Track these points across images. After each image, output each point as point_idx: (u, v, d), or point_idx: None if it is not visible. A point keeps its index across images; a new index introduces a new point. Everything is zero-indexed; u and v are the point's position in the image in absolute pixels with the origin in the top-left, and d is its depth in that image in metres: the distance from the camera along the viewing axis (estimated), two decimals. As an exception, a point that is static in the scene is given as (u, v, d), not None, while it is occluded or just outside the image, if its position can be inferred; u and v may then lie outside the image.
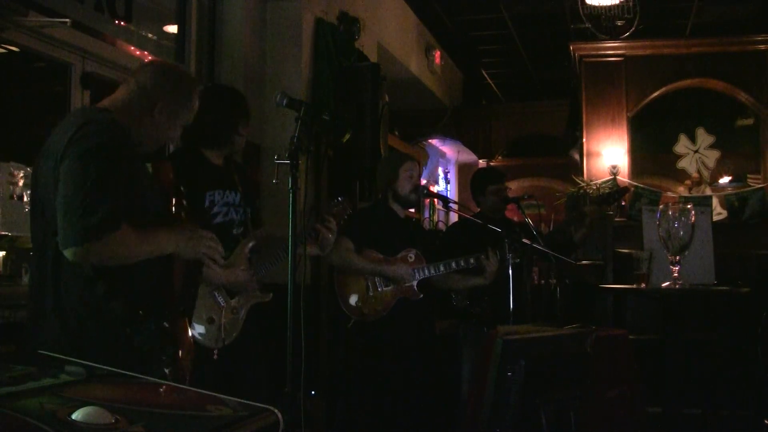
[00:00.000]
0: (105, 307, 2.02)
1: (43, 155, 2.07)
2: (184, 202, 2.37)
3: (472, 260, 3.72)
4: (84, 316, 2.02)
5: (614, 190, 6.37)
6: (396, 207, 3.85)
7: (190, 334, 2.37)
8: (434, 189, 9.13)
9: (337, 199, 3.27)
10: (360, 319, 3.65)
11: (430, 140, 9.97)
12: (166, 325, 2.14)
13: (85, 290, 2.01)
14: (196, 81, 2.52)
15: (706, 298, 4.32)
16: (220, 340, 2.89)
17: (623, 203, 7.24)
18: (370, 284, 3.67)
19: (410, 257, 3.76)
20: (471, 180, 4.48)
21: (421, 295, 3.72)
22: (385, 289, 3.68)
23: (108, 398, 1.26)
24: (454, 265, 3.72)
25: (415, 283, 3.70)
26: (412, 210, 5.09)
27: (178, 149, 3.26)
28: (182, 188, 2.38)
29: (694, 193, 8.00)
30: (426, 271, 3.72)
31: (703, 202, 7.05)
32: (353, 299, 3.65)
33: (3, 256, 3.31)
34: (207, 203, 2.95)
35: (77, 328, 2.01)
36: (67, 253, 1.94)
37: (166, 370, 2.10)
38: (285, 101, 2.55)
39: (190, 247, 2.19)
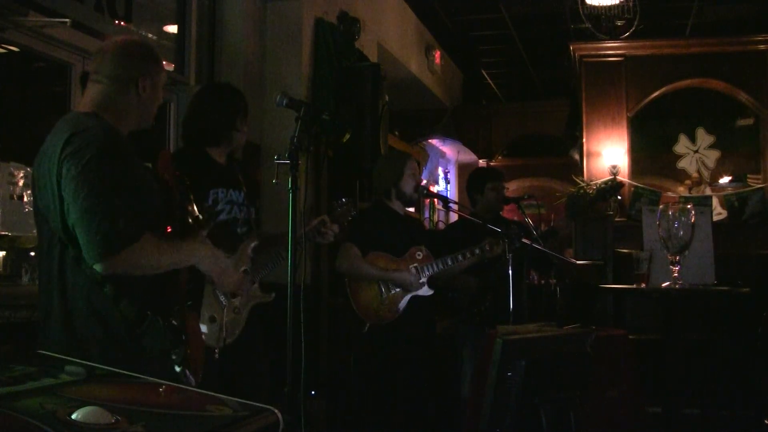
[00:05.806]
0: (114, 309, 2.02)
1: (38, 164, 2.07)
2: (190, 196, 2.36)
3: (477, 251, 3.76)
4: (91, 319, 2.01)
5: (609, 186, 6.37)
6: (397, 206, 3.85)
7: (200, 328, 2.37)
8: (434, 189, 9.13)
9: (341, 200, 3.27)
10: (375, 322, 3.64)
11: (430, 140, 9.97)
12: (175, 323, 2.14)
13: (92, 293, 2.01)
14: (143, 39, 2.49)
15: (706, 298, 4.33)
16: (221, 339, 2.88)
17: (619, 197, 7.24)
18: (382, 288, 3.67)
19: (418, 254, 3.77)
20: (468, 178, 4.53)
21: (432, 291, 3.74)
22: (397, 290, 3.69)
23: (108, 398, 1.26)
24: (461, 257, 3.75)
25: (425, 279, 3.72)
26: (412, 209, 5.10)
27: (181, 148, 3.26)
28: (186, 178, 2.37)
29: (694, 193, 8.00)
30: (435, 267, 3.74)
31: (703, 202, 7.07)
32: (367, 303, 3.65)
33: (3, 256, 3.30)
34: (210, 200, 2.95)
35: (84, 331, 2.01)
36: (97, 268, 1.94)
37: (178, 369, 2.10)
38: (285, 101, 2.55)
39: (209, 264, 2.26)
